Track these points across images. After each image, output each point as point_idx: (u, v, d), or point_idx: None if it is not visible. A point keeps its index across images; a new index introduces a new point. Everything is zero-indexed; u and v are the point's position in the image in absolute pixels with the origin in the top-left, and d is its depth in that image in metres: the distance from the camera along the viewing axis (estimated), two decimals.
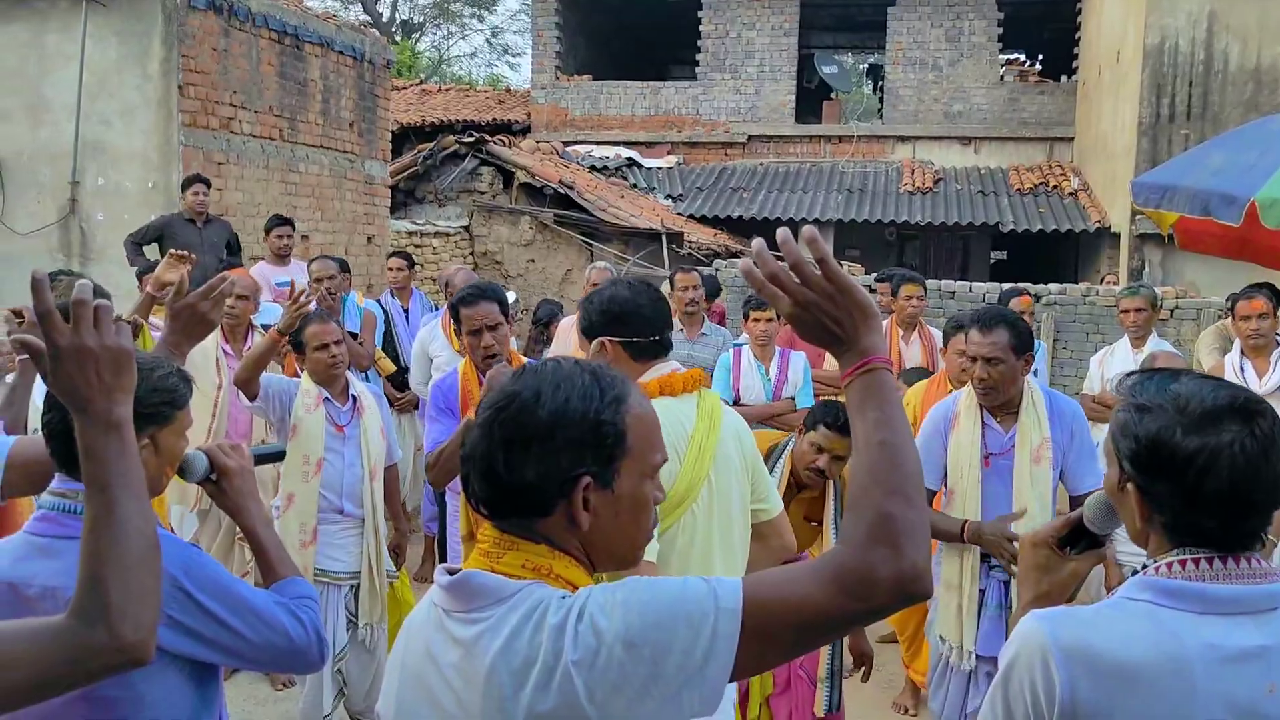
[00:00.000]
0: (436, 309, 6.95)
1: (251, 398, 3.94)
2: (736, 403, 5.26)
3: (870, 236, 16.01)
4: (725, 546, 2.48)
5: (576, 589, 1.28)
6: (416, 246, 12.15)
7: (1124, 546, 3.82)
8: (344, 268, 6.74)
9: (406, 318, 7.00)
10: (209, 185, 7.69)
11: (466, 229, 13.40)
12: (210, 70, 8.56)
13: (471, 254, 13.38)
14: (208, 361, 4.75)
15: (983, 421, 3.47)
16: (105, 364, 1.41)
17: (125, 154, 8.40)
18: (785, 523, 2.70)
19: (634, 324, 2.43)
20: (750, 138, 18.13)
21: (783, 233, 1.32)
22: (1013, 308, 5.59)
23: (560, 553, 1.32)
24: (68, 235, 8.52)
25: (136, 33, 8.30)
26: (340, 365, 3.96)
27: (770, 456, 3.55)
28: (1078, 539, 1.65)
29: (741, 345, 5.56)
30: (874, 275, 8.55)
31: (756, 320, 5.38)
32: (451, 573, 1.35)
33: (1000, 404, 3.43)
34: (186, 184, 7.57)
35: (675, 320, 5.91)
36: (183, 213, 7.54)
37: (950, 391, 4.29)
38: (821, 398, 5.02)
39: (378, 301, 7.05)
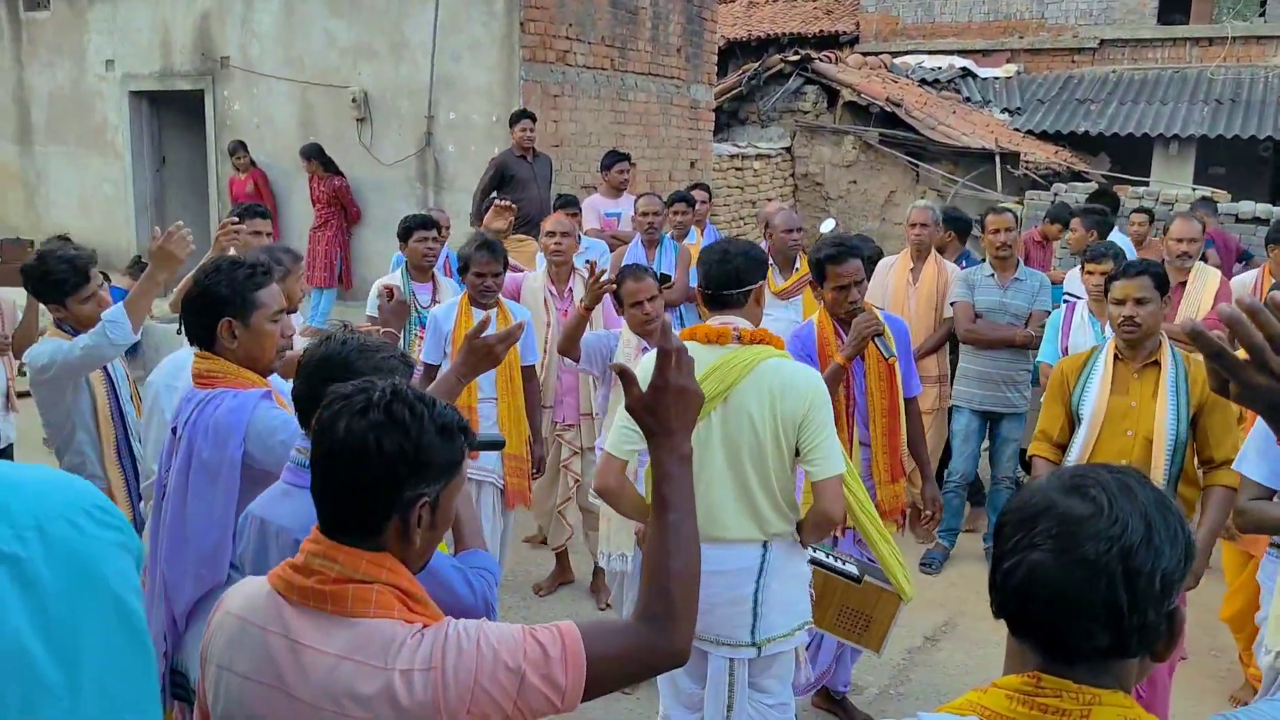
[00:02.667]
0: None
1: (575, 360, 4.19)
2: None
3: (1239, 154, 14.20)
4: (739, 486, 2.83)
5: None
6: (737, 169, 12.22)
7: None
8: (687, 201, 6.83)
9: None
10: (535, 120, 8.06)
11: (788, 150, 13.29)
12: (548, 5, 8.94)
13: (791, 176, 13.27)
14: (537, 300, 5.09)
15: None
16: (692, 403, 1.60)
17: (472, 89, 9.02)
18: (834, 489, 2.81)
19: (706, 278, 3.04)
20: (1102, 42, 16.53)
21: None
22: None
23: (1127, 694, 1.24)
24: (424, 165, 9.32)
25: None
26: (655, 320, 4.10)
27: (1084, 368, 3.70)
28: None
29: (1076, 300, 5.18)
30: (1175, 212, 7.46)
31: (1090, 273, 4.95)
32: None
33: None
34: (514, 120, 7.95)
35: (987, 265, 5.60)
36: (512, 149, 7.98)
37: None
38: None
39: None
